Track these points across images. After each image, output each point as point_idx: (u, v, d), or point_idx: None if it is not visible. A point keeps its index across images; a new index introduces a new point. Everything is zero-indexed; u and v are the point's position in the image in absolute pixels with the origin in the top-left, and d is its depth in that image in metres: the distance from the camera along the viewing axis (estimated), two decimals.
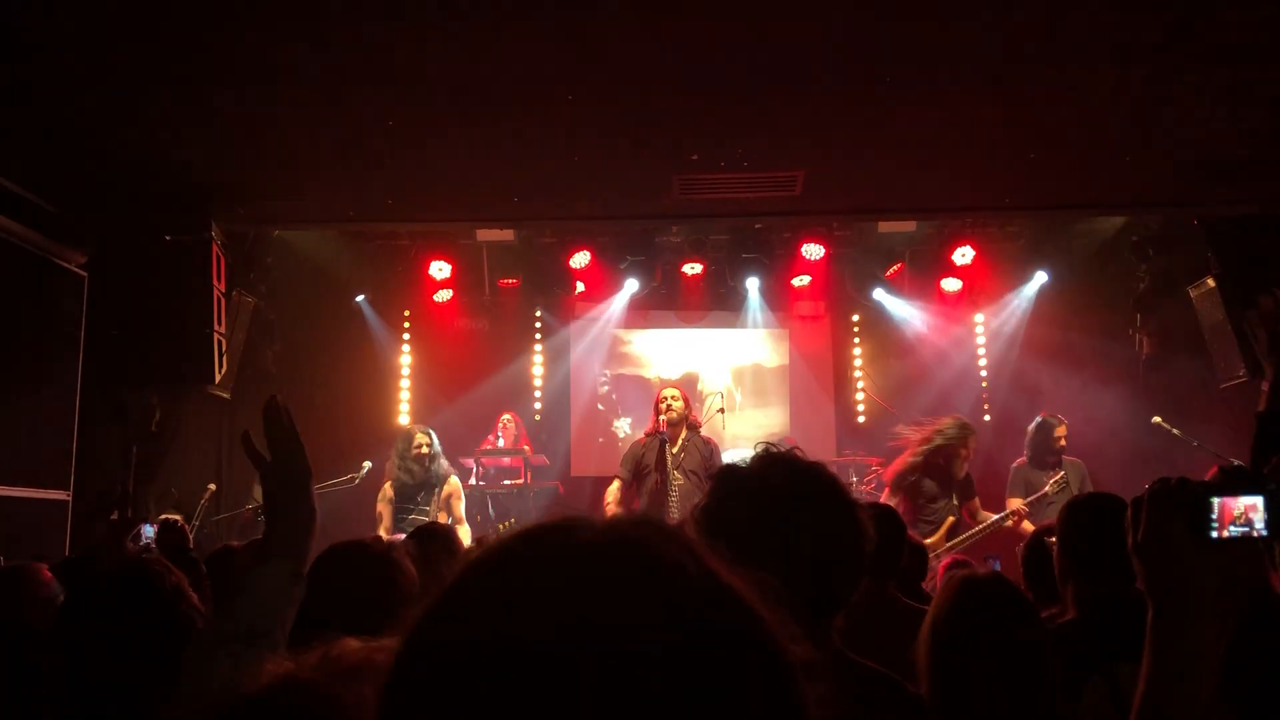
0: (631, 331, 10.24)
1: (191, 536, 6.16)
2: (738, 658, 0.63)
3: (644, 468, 7.12)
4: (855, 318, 10.28)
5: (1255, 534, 1.32)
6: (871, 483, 8.42)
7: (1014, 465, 7.59)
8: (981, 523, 7.02)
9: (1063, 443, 7.40)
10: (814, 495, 1.76)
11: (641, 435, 7.47)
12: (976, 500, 7.15)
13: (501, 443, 8.71)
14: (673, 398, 7.14)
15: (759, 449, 1.84)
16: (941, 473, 6.95)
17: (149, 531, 4.72)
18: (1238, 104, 5.68)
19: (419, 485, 7.51)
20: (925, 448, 6.95)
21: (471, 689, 0.60)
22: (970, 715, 1.94)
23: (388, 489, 7.56)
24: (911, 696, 1.81)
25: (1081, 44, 5.04)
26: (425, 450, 7.49)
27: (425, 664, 0.64)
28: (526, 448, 8.75)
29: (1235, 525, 1.31)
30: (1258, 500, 1.32)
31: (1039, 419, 7.54)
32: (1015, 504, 7.14)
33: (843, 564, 1.75)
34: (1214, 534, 1.31)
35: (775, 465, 1.80)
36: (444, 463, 7.64)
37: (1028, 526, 6.61)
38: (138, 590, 1.96)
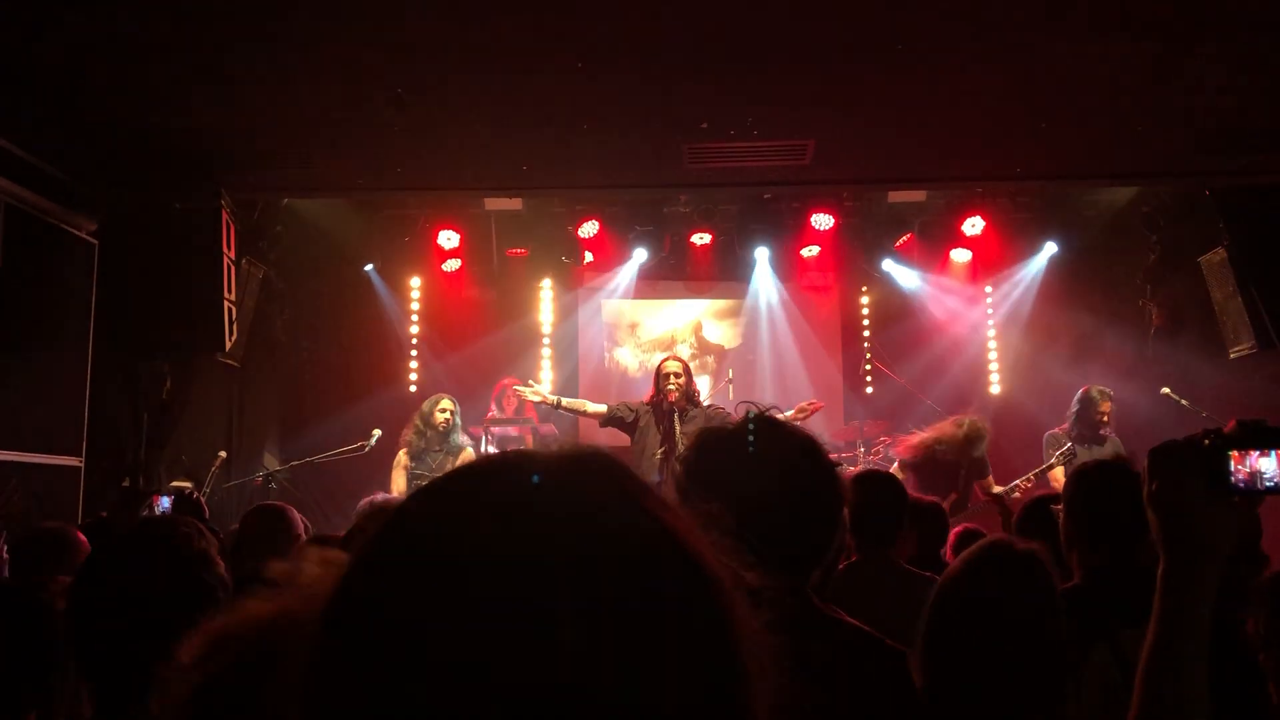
0: (650, 301, 10.32)
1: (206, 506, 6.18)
2: (653, 568, 0.63)
3: (643, 434, 7.07)
4: (864, 288, 10.26)
5: (1266, 486, 1.32)
6: (879, 453, 8.42)
7: (1049, 433, 7.41)
8: (990, 496, 6.94)
9: (1107, 418, 7.21)
10: (792, 453, 1.80)
11: (645, 397, 7.29)
12: (990, 478, 7.03)
13: (495, 411, 8.72)
14: (675, 374, 7.06)
15: (739, 407, 1.88)
16: (944, 466, 6.91)
17: (165, 503, 4.68)
18: (1251, 74, 5.63)
19: (433, 451, 7.62)
20: (938, 438, 6.92)
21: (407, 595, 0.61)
22: (964, 678, 1.94)
23: (402, 455, 7.66)
24: (892, 651, 1.83)
25: (1095, 13, 5.00)
26: (449, 417, 7.60)
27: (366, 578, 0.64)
28: (534, 418, 8.77)
29: (1252, 479, 1.31)
30: (1273, 454, 1.32)
31: (1083, 391, 7.32)
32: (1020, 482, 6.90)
33: (819, 521, 1.80)
34: (1230, 487, 1.31)
35: (754, 424, 1.84)
36: (461, 435, 7.74)
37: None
38: (161, 549, 1.83)
